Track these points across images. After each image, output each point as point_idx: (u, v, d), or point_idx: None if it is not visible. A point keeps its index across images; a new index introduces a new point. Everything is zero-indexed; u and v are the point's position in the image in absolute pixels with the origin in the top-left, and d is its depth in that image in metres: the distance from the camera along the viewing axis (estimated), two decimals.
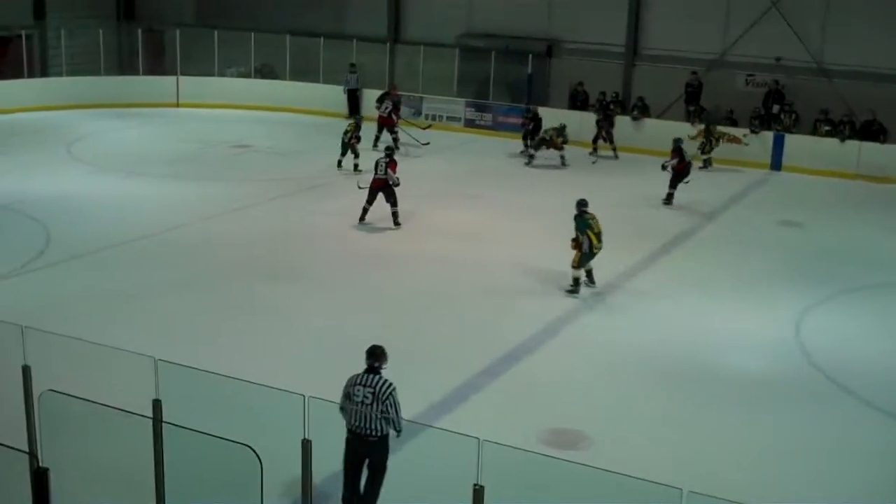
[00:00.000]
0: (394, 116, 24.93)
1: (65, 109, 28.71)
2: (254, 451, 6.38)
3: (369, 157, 20.81)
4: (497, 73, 28.50)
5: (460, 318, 13.89)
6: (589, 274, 15.07)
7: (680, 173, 20.56)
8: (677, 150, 20.60)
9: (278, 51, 30.72)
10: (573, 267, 14.82)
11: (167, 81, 30.58)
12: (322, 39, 30.10)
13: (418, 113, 28.20)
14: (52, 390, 7.28)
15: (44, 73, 31.36)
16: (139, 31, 31.52)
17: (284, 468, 7.76)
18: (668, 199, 20.58)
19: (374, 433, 8.09)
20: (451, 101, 28.62)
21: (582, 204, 14.91)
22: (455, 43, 29.73)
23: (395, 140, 24.47)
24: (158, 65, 31.85)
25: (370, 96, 27.91)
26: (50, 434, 7.21)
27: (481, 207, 19.89)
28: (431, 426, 9.67)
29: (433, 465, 9.09)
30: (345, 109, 28.77)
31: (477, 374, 11.90)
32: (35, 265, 15.54)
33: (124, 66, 32.66)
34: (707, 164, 24.20)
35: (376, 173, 17.93)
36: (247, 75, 31.25)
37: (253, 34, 30.68)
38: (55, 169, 22.12)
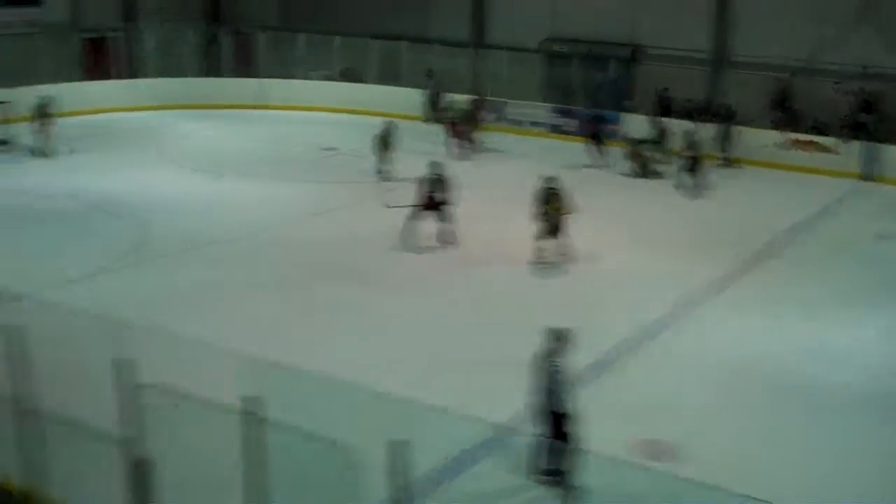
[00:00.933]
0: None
1: (153, 110, 29.23)
2: (348, 449, 6.40)
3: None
4: (580, 79, 28.30)
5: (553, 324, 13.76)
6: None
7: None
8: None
9: (362, 54, 30.91)
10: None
11: (251, 83, 30.94)
12: (405, 43, 30.20)
13: (501, 118, 28.13)
14: (150, 384, 7.39)
15: (133, 74, 31.99)
16: (225, 33, 31.99)
17: (378, 468, 7.77)
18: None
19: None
20: (535, 105, 28.50)
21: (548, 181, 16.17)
22: (539, 48, 29.63)
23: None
24: (243, 67, 32.25)
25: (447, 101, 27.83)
26: (149, 426, 7.31)
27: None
28: (523, 433, 9.61)
29: (523, 468, 9.07)
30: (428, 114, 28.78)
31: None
32: (127, 262, 15.84)
33: (210, 67, 33.15)
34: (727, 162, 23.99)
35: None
36: (331, 78, 31.49)
37: (337, 38, 30.91)
38: (147, 168, 22.53)
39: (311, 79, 31.56)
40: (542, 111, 28.29)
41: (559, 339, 9.02)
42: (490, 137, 25.71)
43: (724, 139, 24.29)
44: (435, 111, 28.36)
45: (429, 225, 17.08)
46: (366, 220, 18.75)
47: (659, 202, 20.72)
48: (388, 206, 17.83)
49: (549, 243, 15.90)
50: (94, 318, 9.40)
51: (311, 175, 22.37)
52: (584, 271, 16.06)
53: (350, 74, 31.82)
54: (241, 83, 31.04)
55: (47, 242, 16.98)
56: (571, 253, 16.16)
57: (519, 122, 28.27)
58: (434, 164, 17.51)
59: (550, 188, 16.07)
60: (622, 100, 27.76)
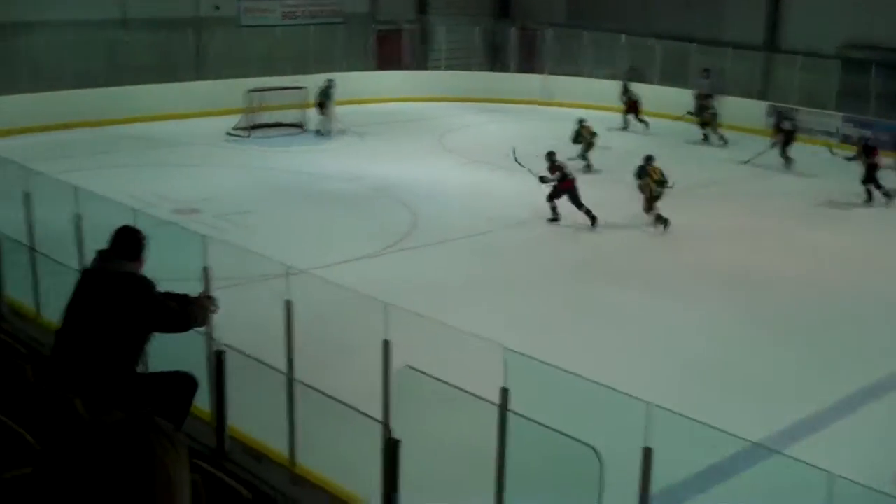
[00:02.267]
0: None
1: (439, 101, 30.07)
2: (595, 451, 6.30)
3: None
4: (881, 88, 26.66)
5: (812, 345, 13.11)
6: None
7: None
8: None
9: (648, 54, 30.49)
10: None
11: (535, 79, 31.21)
12: (694, 45, 29.53)
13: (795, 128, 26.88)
14: (408, 366, 7.57)
15: (422, 66, 33.06)
16: (512, 29, 32.47)
17: (623, 473, 7.62)
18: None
19: None
20: (827, 114, 27.10)
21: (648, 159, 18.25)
22: (836, 53, 28.16)
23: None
24: (528, 63, 32.60)
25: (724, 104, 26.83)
26: (403, 408, 7.49)
27: (850, 231, 18.68)
28: (780, 452, 9.17)
29: (777, 491, 8.66)
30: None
31: (831, 406, 11.19)
32: (401, 246, 16.38)
33: (496, 62, 33.72)
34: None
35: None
36: (615, 77, 31.24)
37: (623, 36, 30.63)
38: (427, 157, 23.23)
39: (595, 77, 31.46)
40: (835, 120, 26.89)
41: None
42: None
43: None
44: (702, 112, 27.08)
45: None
46: (629, 219, 18.46)
47: None
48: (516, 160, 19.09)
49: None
50: (362, 298, 9.75)
51: (585, 174, 22.23)
52: (848, 290, 15.14)
53: (634, 74, 31.44)
54: (525, 79, 31.38)
55: (326, 222, 17.85)
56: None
57: (809, 131, 26.95)
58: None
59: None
60: None
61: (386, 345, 7.60)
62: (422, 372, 7.55)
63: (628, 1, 32.28)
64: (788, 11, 29.81)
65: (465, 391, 7.44)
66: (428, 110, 29.20)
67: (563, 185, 18.02)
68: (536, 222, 18.14)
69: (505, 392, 7.41)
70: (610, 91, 30.07)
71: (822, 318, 14.07)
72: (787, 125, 23.99)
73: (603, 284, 14.92)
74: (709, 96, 27.32)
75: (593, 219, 17.84)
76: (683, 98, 28.27)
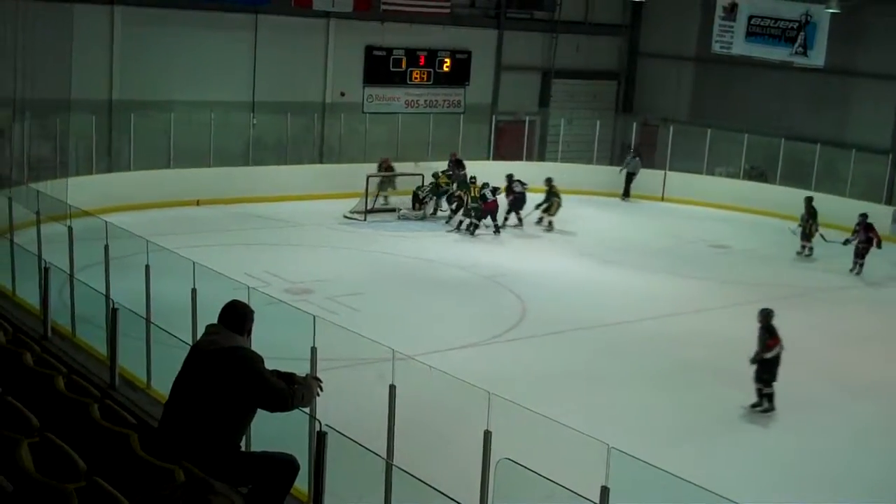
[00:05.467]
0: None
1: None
2: None
3: None
4: None
5: None
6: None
7: None
8: None
9: (770, 153, 30.10)
10: None
11: (655, 175, 31.08)
12: (818, 146, 29.04)
13: None
14: (507, 459, 7.48)
15: (541, 157, 33.27)
16: (634, 124, 32.52)
17: None
18: None
19: None
20: None
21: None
22: None
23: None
24: (649, 158, 32.52)
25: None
26: (501, 501, 7.39)
27: None
28: None
29: None
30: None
31: None
32: (509, 336, 16.33)
33: (616, 156, 33.74)
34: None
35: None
36: (735, 176, 30.89)
37: (746, 135, 30.33)
38: (540, 248, 23.25)
39: (714, 175, 31.16)
40: None
41: None
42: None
43: None
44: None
45: None
46: (742, 323, 18.05)
47: None
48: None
49: None
50: (465, 386, 9.71)
51: (698, 271, 21.96)
52: None
53: (755, 173, 31.07)
54: (643, 174, 31.25)
55: (435, 308, 17.95)
56: None
57: None
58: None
59: None
60: None
61: (486, 435, 7.54)
62: (521, 465, 7.45)
63: (753, 100, 32.00)
64: None
65: (565, 487, 7.30)
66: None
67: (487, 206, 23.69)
68: (645, 320, 17.90)
69: (605, 491, 7.26)
70: (728, 189, 29.78)
71: None
72: None
73: (716, 387, 14.57)
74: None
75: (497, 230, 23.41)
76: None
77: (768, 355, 13.63)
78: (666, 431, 12.76)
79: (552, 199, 25.59)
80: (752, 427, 13.23)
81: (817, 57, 27.72)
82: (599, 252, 23.22)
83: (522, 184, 25.61)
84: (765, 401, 13.65)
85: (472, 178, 25.29)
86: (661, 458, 9.59)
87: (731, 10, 29.39)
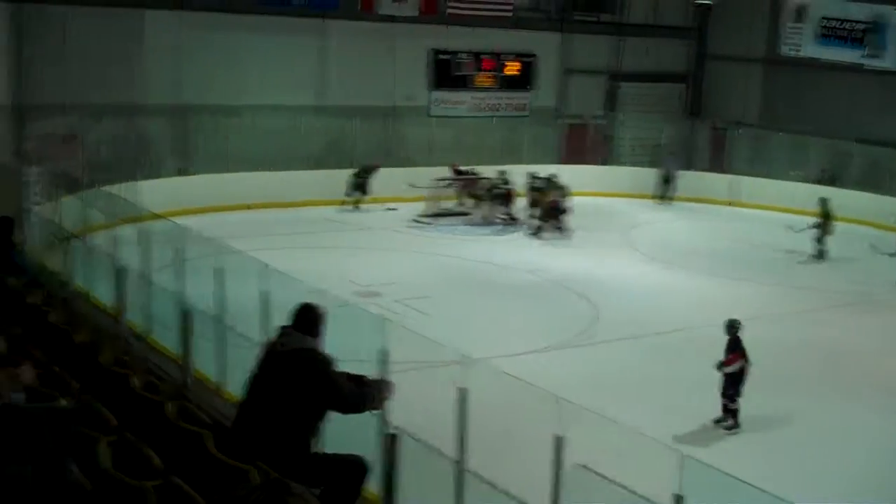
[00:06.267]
0: None
1: (624, 197, 29.91)
2: None
3: None
4: None
5: None
6: None
7: None
8: None
9: (843, 157, 29.57)
10: None
11: (724, 179, 30.70)
12: (892, 149, 28.45)
13: None
14: (580, 464, 7.41)
15: (608, 161, 33.07)
16: (702, 128, 32.16)
17: None
18: None
19: None
20: None
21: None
22: None
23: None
24: (717, 162, 32.15)
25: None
26: None
27: None
28: None
29: None
30: None
31: None
32: (579, 341, 16.22)
33: (683, 160, 33.40)
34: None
35: None
36: (807, 180, 30.38)
37: (818, 139, 29.82)
38: (609, 252, 23.09)
39: (785, 179, 30.69)
40: None
41: None
42: None
43: None
44: None
45: None
46: (814, 329, 17.76)
47: None
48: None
49: None
50: (535, 391, 9.64)
51: (767, 277, 21.63)
52: None
53: (827, 178, 30.53)
54: (713, 178, 30.92)
55: (504, 312, 17.89)
56: None
57: None
58: None
59: None
60: None
61: (558, 441, 7.47)
62: (593, 471, 7.38)
63: (823, 102, 31.43)
64: None
65: (638, 494, 7.22)
66: (612, 206, 29.10)
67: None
68: (715, 326, 17.65)
69: (679, 499, 7.16)
70: (799, 194, 29.28)
71: None
72: None
73: (794, 396, 14.31)
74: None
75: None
76: (878, 204, 27.32)
77: (728, 370, 12.99)
78: (740, 438, 12.55)
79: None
80: (828, 437, 12.96)
81: (889, 59, 27.21)
82: (668, 257, 23.00)
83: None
84: (729, 417, 12.97)
85: (552, 175, 25.42)
86: (736, 466, 9.47)
87: (801, 12, 28.97)
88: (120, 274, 11.59)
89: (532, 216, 25.05)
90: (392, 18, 28.97)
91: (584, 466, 7.48)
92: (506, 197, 25.80)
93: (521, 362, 14.46)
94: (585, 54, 32.97)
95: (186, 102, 26.42)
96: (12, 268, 11.20)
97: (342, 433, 7.44)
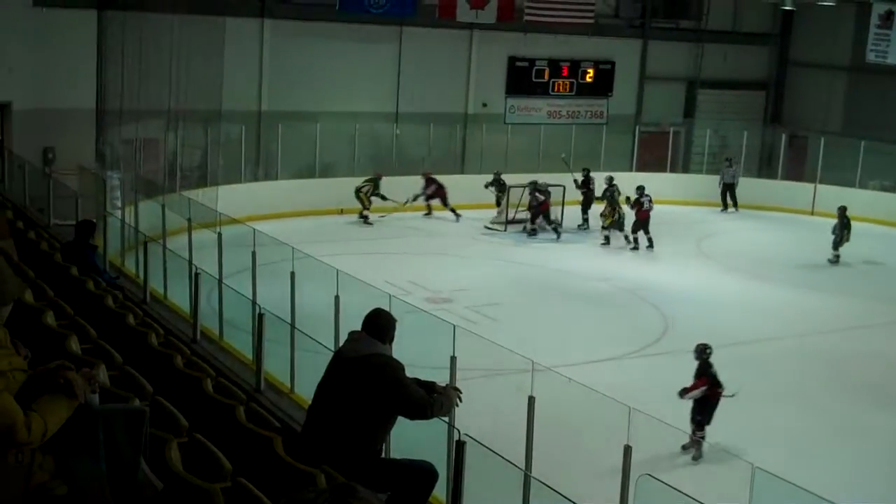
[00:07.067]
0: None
1: (700, 205, 29.56)
2: None
3: None
4: None
5: None
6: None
7: None
8: None
9: None
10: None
11: (805, 188, 30.17)
12: None
13: None
14: (648, 474, 7.37)
15: (685, 168, 32.71)
16: (783, 135, 31.65)
17: None
18: None
19: None
20: None
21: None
22: None
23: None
24: (798, 171, 31.60)
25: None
26: None
27: None
28: None
29: None
30: None
31: None
32: (650, 351, 16.07)
33: (763, 168, 32.92)
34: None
35: None
36: (890, 189, 29.72)
37: None
38: (683, 261, 22.84)
39: (868, 188, 30.03)
40: None
41: None
42: None
43: None
44: None
45: None
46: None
47: None
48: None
49: None
50: (605, 400, 9.60)
51: (846, 287, 21.22)
52: None
53: None
54: (792, 186, 30.40)
55: (575, 320, 17.82)
56: None
57: None
58: None
59: None
60: None
61: (627, 450, 7.45)
62: (662, 481, 7.33)
63: None
64: None
65: None
66: (687, 213, 28.75)
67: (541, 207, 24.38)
68: (791, 338, 17.39)
69: None
70: (881, 203, 28.67)
71: None
72: None
73: (872, 407, 14.01)
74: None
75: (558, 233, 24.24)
76: None
77: (689, 396, 12.32)
78: (814, 452, 12.33)
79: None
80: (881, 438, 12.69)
81: None
82: (746, 266, 22.66)
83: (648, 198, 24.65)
84: (694, 447, 11.97)
85: (609, 179, 25.42)
86: (810, 480, 9.31)
87: (888, 18, 28.33)
88: (195, 277, 11.79)
89: (605, 225, 24.72)
90: (470, 25, 29.03)
91: (653, 476, 7.43)
92: (539, 207, 25.30)
93: (590, 371, 14.37)
94: (664, 61, 32.68)
95: (265, 109, 26.80)
96: (91, 270, 11.45)
97: (410, 439, 7.49)
